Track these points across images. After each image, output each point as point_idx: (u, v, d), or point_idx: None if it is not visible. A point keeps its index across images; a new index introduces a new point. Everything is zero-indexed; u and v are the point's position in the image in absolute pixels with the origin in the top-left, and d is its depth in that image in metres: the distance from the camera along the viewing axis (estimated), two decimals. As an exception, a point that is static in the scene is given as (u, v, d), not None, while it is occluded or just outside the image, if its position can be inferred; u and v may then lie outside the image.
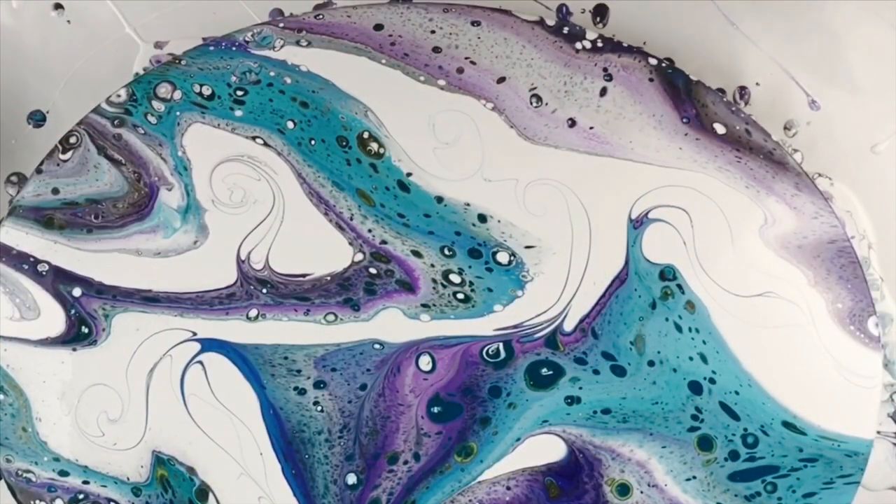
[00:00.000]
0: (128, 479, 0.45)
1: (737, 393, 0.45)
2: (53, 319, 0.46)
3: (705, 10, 0.50)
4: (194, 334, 0.46)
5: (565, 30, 0.48)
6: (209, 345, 0.46)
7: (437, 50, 0.47)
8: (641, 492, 0.45)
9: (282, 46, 0.48)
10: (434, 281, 0.46)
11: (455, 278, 0.46)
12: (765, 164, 0.47)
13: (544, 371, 0.45)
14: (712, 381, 0.45)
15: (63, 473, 0.45)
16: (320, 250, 0.46)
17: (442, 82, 0.47)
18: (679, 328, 0.46)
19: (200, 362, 0.46)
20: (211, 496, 0.45)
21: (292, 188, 0.47)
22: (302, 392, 0.45)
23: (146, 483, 0.45)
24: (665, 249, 0.46)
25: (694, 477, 0.45)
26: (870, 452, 0.45)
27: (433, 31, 0.48)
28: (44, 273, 0.46)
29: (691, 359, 0.45)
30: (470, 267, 0.46)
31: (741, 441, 0.45)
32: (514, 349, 0.45)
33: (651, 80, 0.47)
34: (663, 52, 0.48)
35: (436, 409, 0.45)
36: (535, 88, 0.47)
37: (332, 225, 0.47)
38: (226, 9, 0.50)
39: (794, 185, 0.46)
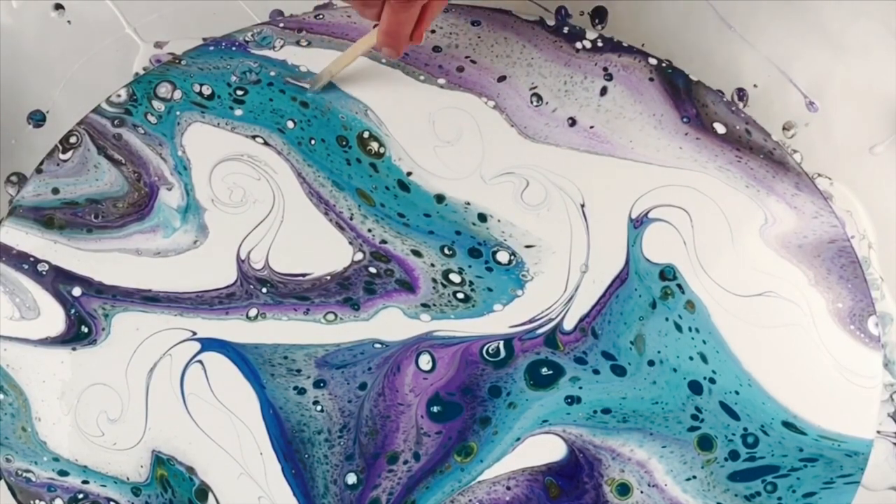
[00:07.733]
0: (127, 478, 0.45)
1: (737, 393, 0.45)
2: (53, 319, 0.46)
3: (702, 13, 0.50)
4: (194, 334, 0.46)
5: (565, 29, 0.48)
6: (209, 344, 0.46)
7: (437, 49, 0.48)
8: (641, 492, 0.45)
9: (282, 46, 0.48)
10: (434, 280, 0.46)
11: (455, 278, 0.46)
12: (765, 163, 0.47)
13: (544, 371, 0.45)
14: (712, 380, 0.45)
15: (63, 473, 0.45)
16: (320, 250, 0.46)
17: (442, 81, 0.47)
18: (679, 328, 0.45)
19: (200, 362, 0.46)
20: (211, 496, 0.45)
21: (292, 188, 0.47)
22: (302, 392, 0.45)
23: (146, 483, 0.45)
24: (665, 249, 0.46)
25: (694, 477, 0.45)
26: (870, 452, 0.45)
27: (433, 31, 0.48)
28: (44, 273, 0.46)
29: (691, 358, 0.45)
30: (470, 266, 0.46)
31: (741, 441, 0.45)
32: (514, 348, 0.45)
33: (651, 79, 0.47)
34: (661, 54, 0.48)
35: (436, 409, 0.45)
36: (535, 87, 0.47)
37: (332, 224, 0.47)
38: (226, 9, 0.50)
39: (794, 184, 0.46)
